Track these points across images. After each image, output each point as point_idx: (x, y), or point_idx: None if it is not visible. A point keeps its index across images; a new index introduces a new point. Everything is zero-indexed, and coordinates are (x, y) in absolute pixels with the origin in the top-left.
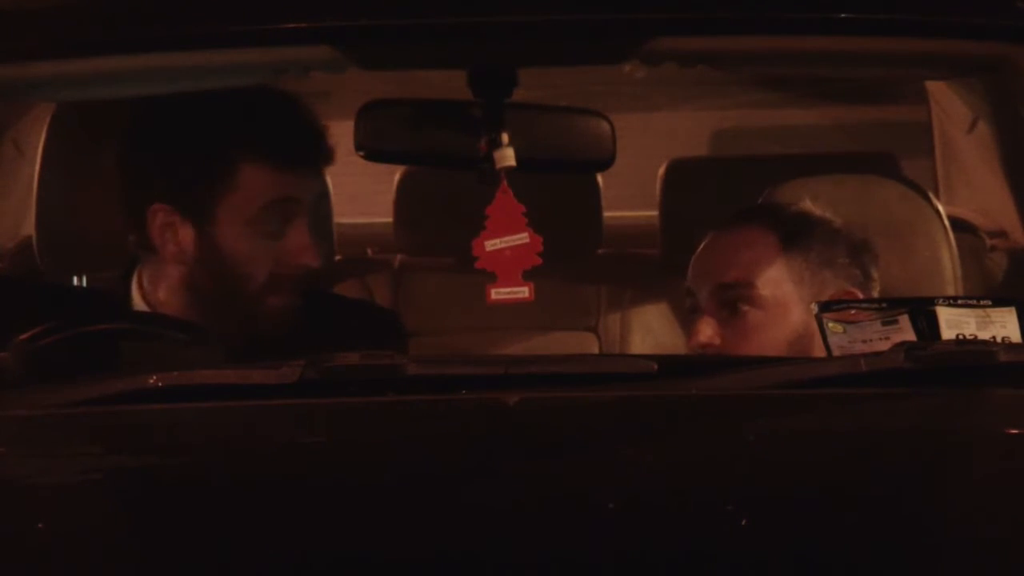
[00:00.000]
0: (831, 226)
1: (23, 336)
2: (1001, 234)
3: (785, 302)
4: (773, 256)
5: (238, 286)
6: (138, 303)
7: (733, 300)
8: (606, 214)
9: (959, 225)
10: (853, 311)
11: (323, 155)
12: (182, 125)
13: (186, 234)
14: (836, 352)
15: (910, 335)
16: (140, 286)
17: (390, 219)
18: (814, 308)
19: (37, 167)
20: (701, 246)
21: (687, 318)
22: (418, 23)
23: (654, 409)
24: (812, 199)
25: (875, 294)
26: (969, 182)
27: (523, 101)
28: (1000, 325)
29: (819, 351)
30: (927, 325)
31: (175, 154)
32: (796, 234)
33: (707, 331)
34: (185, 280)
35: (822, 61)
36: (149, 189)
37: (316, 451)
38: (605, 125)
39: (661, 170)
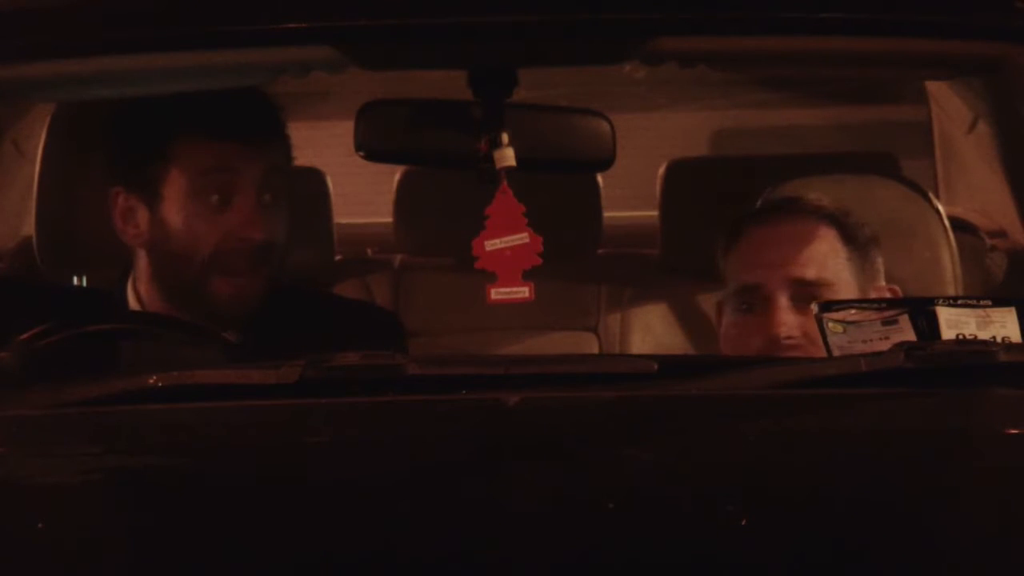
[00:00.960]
0: (868, 225)
1: (23, 336)
2: (1001, 234)
3: (853, 296)
4: (838, 251)
5: (189, 264)
6: (132, 302)
7: (810, 296)
8: (606, 214)
9: (959, 225)
10: (853, 311)
11: (263, 127)
12: (127, 104)
13: (143, 216)
14: (836, 352)
15: (910, 335)
16: (133, 284)
17: (390, 219)
18: (814, 308)
19: (37, 167)
20: (750, 237)
21: (740, 314)
22: (418, 23)
23: (654, 409)
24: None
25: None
26: (969, 182)
27: (523, 101)
28: (1000, 325)
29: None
30: (927, 325)
31: (123, 134)
32: (849, 230)
33: (790, 322)
34: (151, 266)
35: (822, 61)
36: (109, 173)
37: (316, 451)
38: (605, 125)
39: (661, 170)
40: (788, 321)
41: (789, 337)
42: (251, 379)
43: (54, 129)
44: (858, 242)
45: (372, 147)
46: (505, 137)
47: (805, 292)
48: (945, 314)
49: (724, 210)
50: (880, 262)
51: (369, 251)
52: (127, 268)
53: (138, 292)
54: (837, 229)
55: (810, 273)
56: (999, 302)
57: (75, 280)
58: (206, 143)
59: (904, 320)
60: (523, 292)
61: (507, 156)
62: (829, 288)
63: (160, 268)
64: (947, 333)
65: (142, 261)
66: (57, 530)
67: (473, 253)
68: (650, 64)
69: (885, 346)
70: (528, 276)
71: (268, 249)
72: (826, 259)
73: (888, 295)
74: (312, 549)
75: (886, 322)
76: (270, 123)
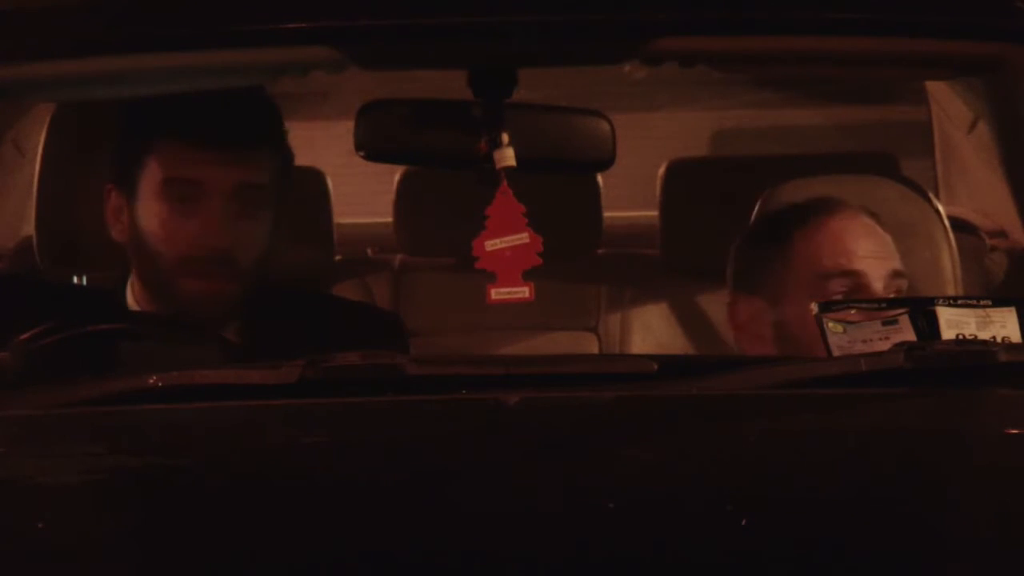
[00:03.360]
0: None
1: (23, 336)
2: (1001, 234)
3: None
4: (892, 251)
5: (161, 264)
6: (131, 301)
7: (899, 288)
8: (606, 214)
9: (959, 225)
10: (853, 311)
11: (240, 140)
12: (120, 103)
13: (127, 214)
14: (836, 352)
15: (910, 335)
16: (131, 283)
17: (390, 219)
18: (814, 308)
19: (37, 167)
20: (831, 227)
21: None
22: (418, 23)
23: (654, 409)
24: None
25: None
26: (969, 182)
27: (523, 101)
28: (1000, 325)
29: None
30: (927, 325)
31: (115, 130)
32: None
33: None
34: (134, 264)
35: (822, 61)
36: (107, 169)
37: (316, 451)
38: (605, 125)
39: (661, 170)
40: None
41: None
42: (251, 379)
43: (54, 129)
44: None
45: (372, 147)
46: (505, 137)
47: (897, 284)
48: (945, 314)
49: (724, 210)
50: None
51: (369, 251)
52: (127, 268)
53: (133, 291)
54: (884, 228)
55: (900, 265)
56: (999, 302)
57: (75, 280)
58: (179, 149)
59: (904, 320)
60: (523, 292)
61: (507, 156)
62: (905, 280)
63: (139, 265)
64: (947, 333)
65: (132, 259)
66: (57, 530)
67: (473, 253)
68: (650, 64)
69: (885, 346)
70: (528, 276)
71: (230, 258)
72: (894, 255)
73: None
74: (312, 549)
75: (886, 322)
76: (250, 136)
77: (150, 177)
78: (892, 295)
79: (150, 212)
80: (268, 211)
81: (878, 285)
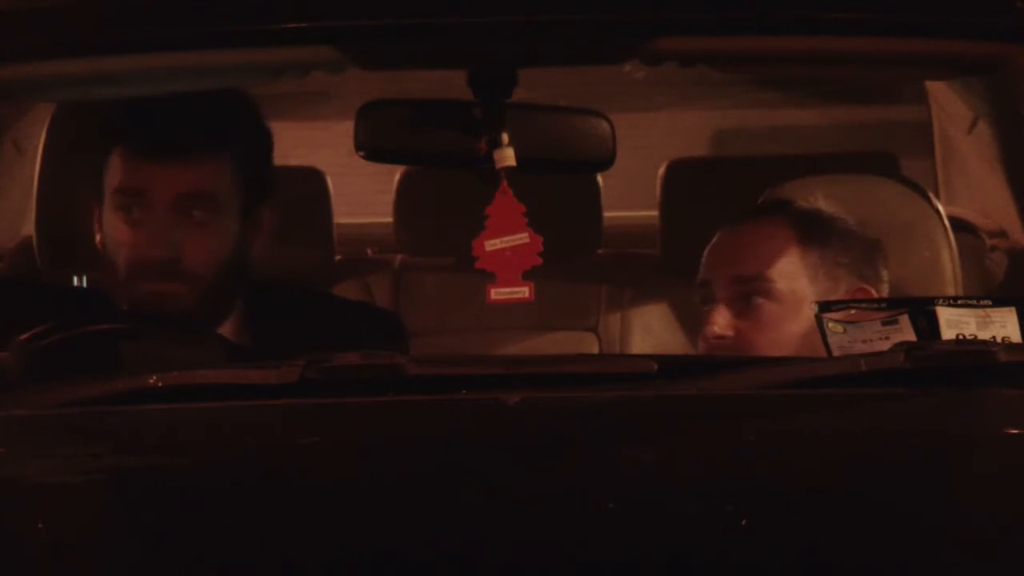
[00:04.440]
0: (846, 224)
1: (23, 336)
2: (1001, 234)
3: (800, 297)
4: (790, 250)
5: (116, 272)
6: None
7: (748, 293)
8: (606, 214)
9: (959, 225)
10: (853, 311)
11: (184, 150)
12: (90, 111)
13: (98, 221)
14: (836, 352)
15: (910, 335)
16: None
17: (390, 219)
18: (814, 308)
19: (37, 167)
20: (716, 238)
21: (699, 310)
22: (418, 23)
23: (654, 409)
24: (814, 199)
25: (885, 294)
26: (969, 182)
27: (523, 101)
28: (1000, 325)
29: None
30: (927, 325)
31: (97, 137)
32: (813, 230)
33: (721, 322)
34: (103, 269)
35: (822, 61)
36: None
37: (316, 451)
38: (605, 125)
39: (661, 170)
40: (720, 321)
41: (722, 336)
42: (251, 379)
43: (54, 129)
44: (824, 242)
45: (372, 147)
46: (505, 137)
47: (743, 288)
48: (945, 314)
49: (724, 210)
50: (864, 262)
51: (369, 251)
52: None
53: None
54: (797, 229)
55: (747, 269)
56: (999, 302)
57: (75, 280)
58: (126, 159)
59: (904, 320)
60: (523, 292)
61: (507, 156)
62: (766, 282)
63: (104, 270)
64: (947, 333)
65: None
66: (57, 530)
67: (473, 253)
68: (650, 64)
69: (885, 346)
70: (528, 276)
71: (177, 266)
72: (770, 257)
73: (860, 296)
74: (312, 549)
75: (886, 322)
76: (194, 145)
77: (107, 186)
78: (740, 304)
79: (108, 220)
80: (225, 218)
81: (721, 293)
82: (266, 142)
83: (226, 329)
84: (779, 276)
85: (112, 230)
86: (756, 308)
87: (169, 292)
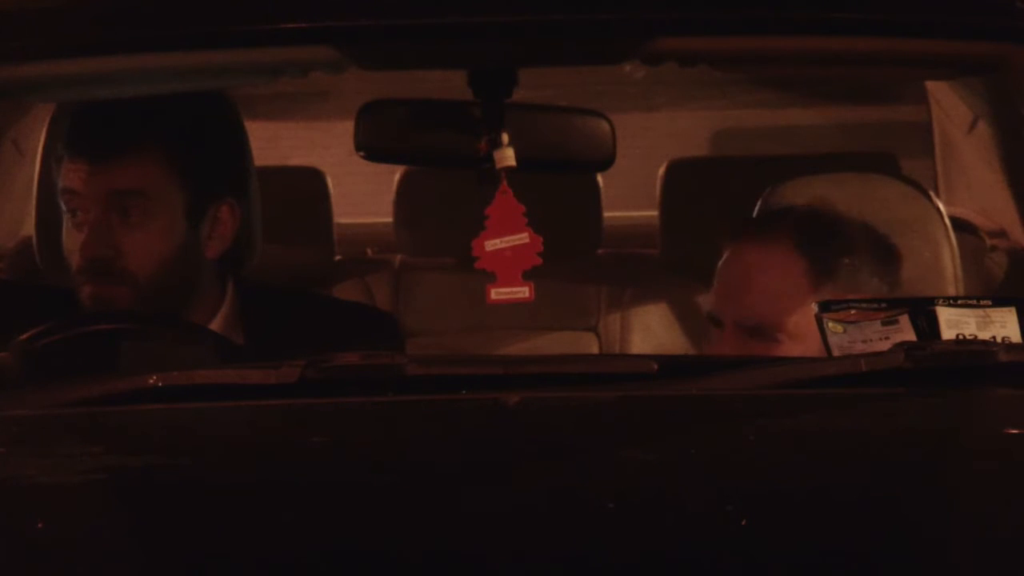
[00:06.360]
0: (858, 235)
1: (23, 336)
2: (1001, 234)
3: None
4: (804, 285)
5: (70, 271)
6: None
7: (756, 329)
8: (606, 214)
9: (959, 225)
10: (853, 311)
11: (115, 149)
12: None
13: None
14: (836, 352)
15: (910, 335)
16: None
17: (390, 219)
18: (814, 308)
19: (37, 167)
20: (726, 259)
21: (706, 328)
22: (418, 23)
23: (654, 409)
24: (813, 199)
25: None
26: (969, 182)
27: (523, 101)
28: (1000, 325)
29: None
30: (927, 325)
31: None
32: (825, 256)
33: (729, 351)
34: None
35: (822, 61)
36: None
37: (316, 451)
38: (605, 125)
39: (661, 170)
40: (728, 350)
41: None
42: (251, 379)
43: (54, 129)
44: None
45: (372, 147)
46: (505, 137)
47: (752, 325)
48: (945, 314)
49: (724, 210)
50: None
51: (369, 251)
52: None
53: None
54: (809, 260)
55: (760, 309)
56: (999, 302)
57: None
58: (67, 160)
59: (904, 320)
60: (523, 292)
61: (507, 156)
62: (779, 323)
63: (66, 270)
64: (947, 333)
65: None
66: (57, 530)
67: (473, 253)
68: (650, 64)
69: (885, 346)
70: (528, 276)
71: (114, 265)
72: (785, 295)
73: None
74: (312, 549)
75: (886, 322)
76: (119, 144)
77: (59, 189)
78: (756, 337)
79: (64, 223)
80: (164, 216)
81: (736, 325)
82: (219, 140)
83: (214, 328)
84: (791, 315)
85: (64, 232)
86: (772, 342)
87: (108, 292)
